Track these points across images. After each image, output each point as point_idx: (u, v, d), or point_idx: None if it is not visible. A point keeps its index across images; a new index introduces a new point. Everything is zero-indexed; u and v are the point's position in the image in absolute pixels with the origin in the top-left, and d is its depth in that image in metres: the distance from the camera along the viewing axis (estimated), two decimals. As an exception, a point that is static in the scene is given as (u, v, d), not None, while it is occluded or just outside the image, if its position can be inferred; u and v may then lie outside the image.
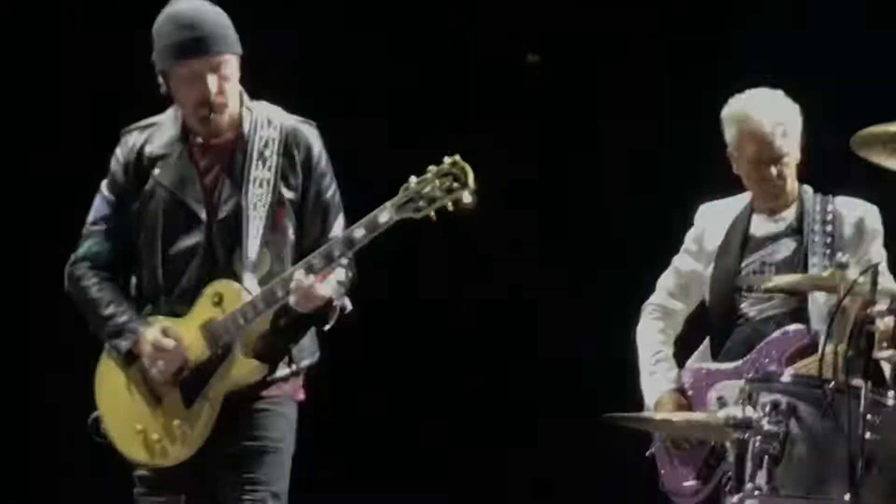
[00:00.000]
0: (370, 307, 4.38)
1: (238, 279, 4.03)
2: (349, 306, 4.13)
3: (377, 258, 4.19)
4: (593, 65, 6.73)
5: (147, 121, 4.15)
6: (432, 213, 3.94)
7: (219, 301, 3.99)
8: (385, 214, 3.91)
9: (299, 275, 3.88)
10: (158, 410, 4.06)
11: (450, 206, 3.94)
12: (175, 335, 4.02)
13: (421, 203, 3.90)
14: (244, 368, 4.02)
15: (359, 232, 3.91)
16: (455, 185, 3.90)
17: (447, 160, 3.90)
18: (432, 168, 3.91)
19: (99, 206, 4.12)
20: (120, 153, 4.11)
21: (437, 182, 3.90)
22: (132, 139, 4.10)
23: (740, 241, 4.66)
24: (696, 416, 4.33)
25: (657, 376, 4.61)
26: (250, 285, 4.01)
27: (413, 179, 3.91)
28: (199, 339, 4.00)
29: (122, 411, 4.13)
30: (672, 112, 5.75)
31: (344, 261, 4.02)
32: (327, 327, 4.11)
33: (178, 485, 4.08)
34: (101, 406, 4.16)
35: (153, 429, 4.05)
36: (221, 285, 4.00)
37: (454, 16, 6.84)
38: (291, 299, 3.94)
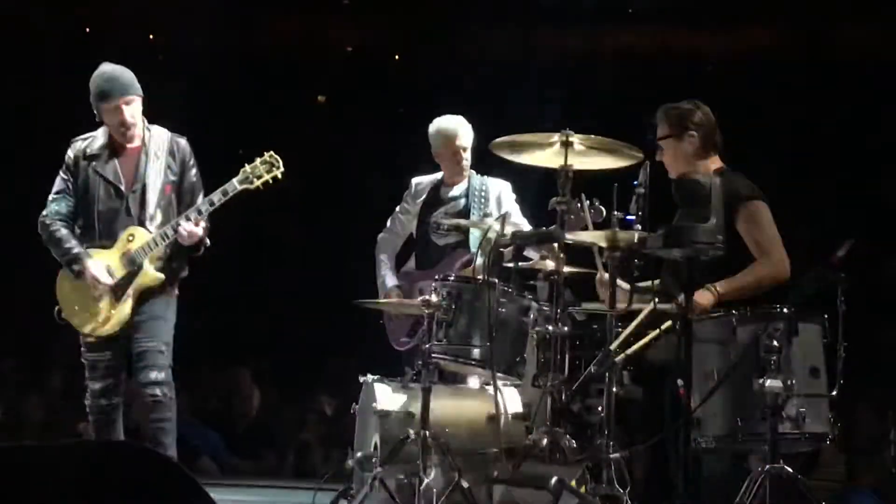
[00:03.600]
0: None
1: (144, 226, 5.51)
2: (208, 243, 5.54)
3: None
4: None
5: (87, 134, 5.61)
6: (260, 185, 5.52)
7: (132, 239, 5.50)
8: (233, 185, 5.49)
9: (183, 221, 5.41)
10: (98, 303, 5.51)
11: (270, 181, 5.53)
12: (109, 270, 5.44)
13: (254, 178, 5.49)
14: (150, 278, 5.51)
15: (216, 196, 5.48)
16: (273, 168, 5.51)
17: (267, 154, 5.52)
18: (258, 158, 5.51)
19: (59, 183, 5.59)
20: (71, 152, 5.58)
21: (262, 167, 5.49)
22: (78, 144, 5.59)
23: (434, 199, 6.18)
24: (409, 301, 5.77)
25: (387, 278, 6.15)
26: (152, 229, 5.49)
27: (248, 165, 5.52)
28: (121, 262, 5.49)
29: (75, 303, 5.56)
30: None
31: (206, 215, 5.42)
32: (199, 254, 5.59)
33: (108, 344, 5.54)
34: (60, 301, 5.60)
35: (96, 313, 5.50)
36: (134, 229, 5.51)
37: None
38: (179, 236, 5.43)
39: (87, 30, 8.81)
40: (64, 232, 5.55)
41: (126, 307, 5.52)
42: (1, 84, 8.24)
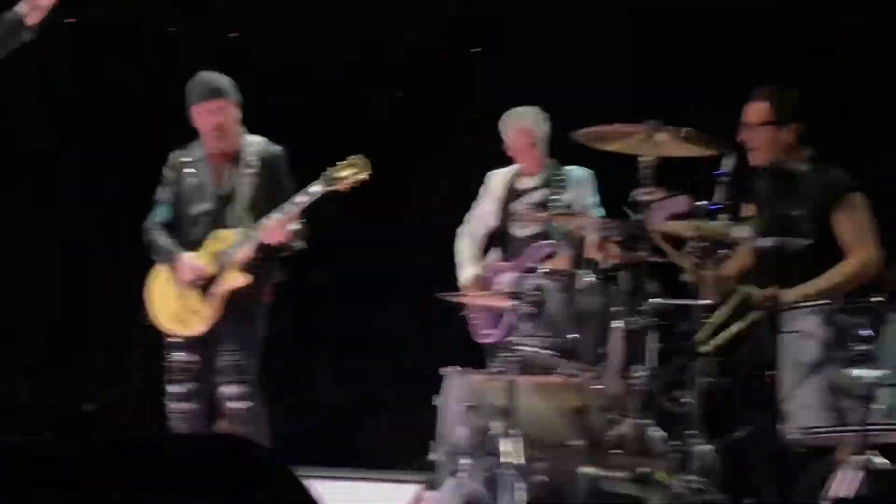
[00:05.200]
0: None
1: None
2: (298, 245, 5.46)
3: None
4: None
5: (183, 147, 5.67)
6: (345, 187, 5.38)
7: (217, 240, 5.49)
8: (317, 187, 5.40)
9: (266, 221, 5.37)
10: (185, 303, 5.54)
11: (357, 184, 5.39)
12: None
13: (338, 181, 5.37)
14: (235, 278, 5.47)
15: (299, 198, 5.39)
16: (358, 170, 5.38)
17: (353, 156, 5.40)
18: (344, 160, 5.40)
19: (159, 192, 5.65)
20: (169, 163, 5.66)
21: (347, 169, 5.37)
22: (175, 155, 5.66)
23: (512, 190, 6.19)
24: (491, 293, 5.80)
25: (467, 271, 6.19)
26: (239, 232, 5.47)
27: (333, 167, 5.41)
28: (211, 260, 5.49)
29: (162, 303, 5.61)
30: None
31: (295, 215, 5.35)
32: (287, 254, 5.49)
33: (193, 347, 5.54)
34: (148, 301, 5.63)
35: (181, 313, 5.53)
36: (223, 231, 5.52)
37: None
38: (262, 235, 5.39)
39: (172, 29, 8.87)
40: (163, 236, 5.63)
41: (210, 307, 5.52)
42: (87, 87, 8.33)
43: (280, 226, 5.40)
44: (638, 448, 4.66)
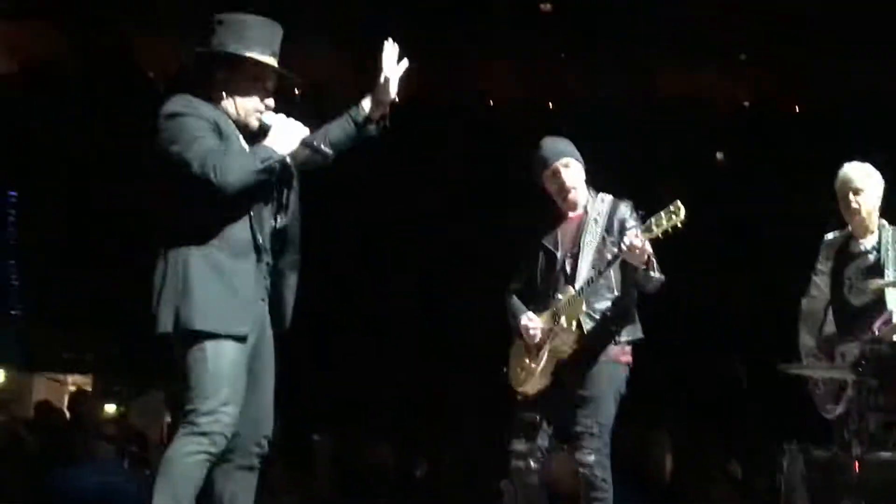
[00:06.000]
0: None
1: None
2: (657, 276, 5.31)
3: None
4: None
5: (538, 213, 5.68)
6: (660, 233, 5.15)
7: (560, 297, 5.45)
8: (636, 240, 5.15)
9: (630, 237, 5.17)
10: (528, 361, 5.54)
11: (669, 230, 5.13)
12: (536, 329, 5.45)
13: (654, 227, 5.14)
14: (563, 336, 5.42)
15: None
16: (673, 216, 5.12)
17: (672, 205, 5.15)
18: (664, 210, 5.18)
19: (519, 265, 5.72)
20: (526, 241, 5.71)
21: (664, 215, 5.15)
22: (535, 224, 5.68)
23: (844, 255, 5.89)
24: (833, 366, 5.60)
25: (806, 344, 5.90)
26: (580, 291, 5.40)
27: (653, 217, 5.17)
28: (550, 320, 5.45)
29: (515, 363, 5.62)
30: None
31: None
32: (649, 288, 5.36)
33: (539, 406, 5.49)
34: (510, 363, 5.66)
35: (525, 371, 5.54)
36: (567, 290, 5.44)
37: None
38: (624, 250, 5.17)
39: (491, 102, 9.16)
40: (515, 302, 5.69)
41: (541, 365, 5.50)
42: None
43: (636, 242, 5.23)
44: None
